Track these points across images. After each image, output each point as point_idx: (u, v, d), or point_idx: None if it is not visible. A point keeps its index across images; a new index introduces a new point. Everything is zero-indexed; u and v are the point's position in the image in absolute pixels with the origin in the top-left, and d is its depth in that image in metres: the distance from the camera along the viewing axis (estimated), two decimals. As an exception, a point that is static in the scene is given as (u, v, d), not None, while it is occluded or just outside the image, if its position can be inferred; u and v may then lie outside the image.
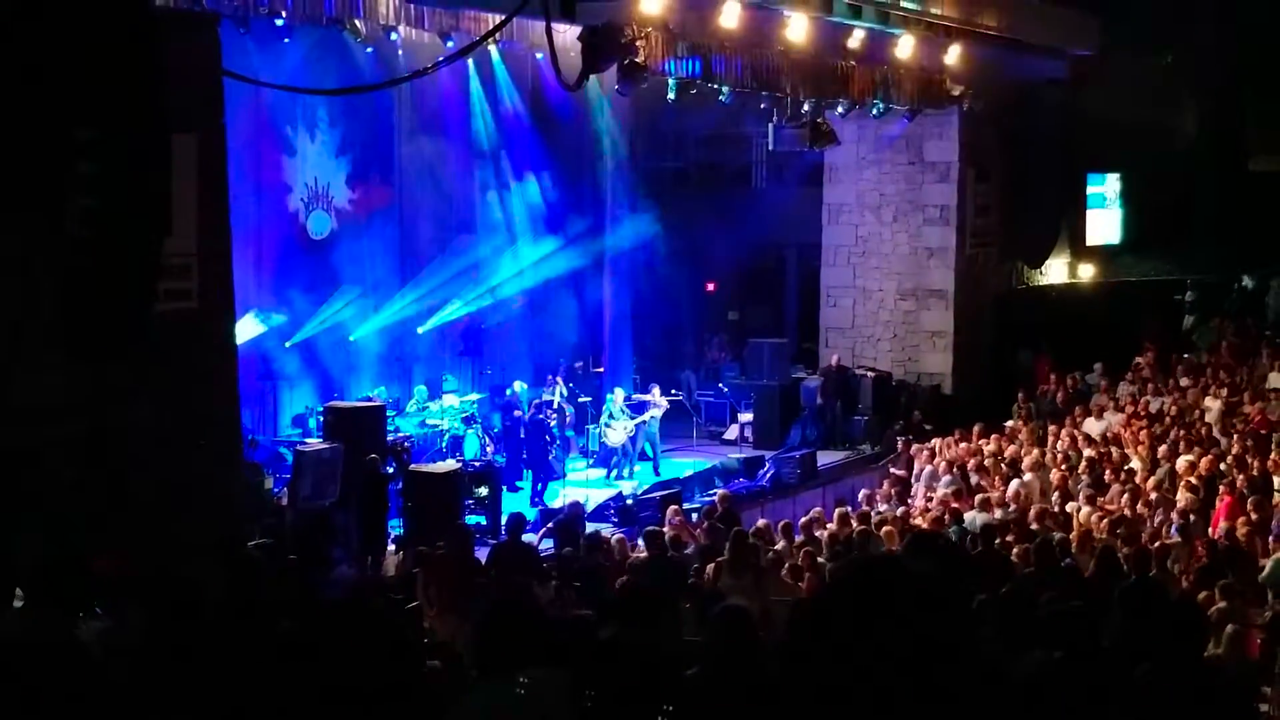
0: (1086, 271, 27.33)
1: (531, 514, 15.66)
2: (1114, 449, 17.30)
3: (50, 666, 4.56)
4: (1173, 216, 26.92)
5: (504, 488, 16.89)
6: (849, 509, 14.47)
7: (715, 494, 15.87)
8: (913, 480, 17.92)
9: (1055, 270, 26.95)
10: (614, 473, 19.11)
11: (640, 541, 12.49)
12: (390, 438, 16.52)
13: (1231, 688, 5.60)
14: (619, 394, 19.53)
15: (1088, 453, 16.98)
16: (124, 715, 4.26)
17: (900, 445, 19.39)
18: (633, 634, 5.31)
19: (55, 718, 4.33)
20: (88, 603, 5.58)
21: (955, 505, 15.00)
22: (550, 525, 14.58)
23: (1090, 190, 27.39)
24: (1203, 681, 5.41)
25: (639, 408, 19.42)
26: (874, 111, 22.12)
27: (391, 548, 14.35)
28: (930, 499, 16.36)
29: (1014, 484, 16.02)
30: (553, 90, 19.08)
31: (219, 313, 12.17)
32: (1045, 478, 16.34)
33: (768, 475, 18.75)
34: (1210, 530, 13.40)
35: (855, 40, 19.79)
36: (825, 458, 20.16)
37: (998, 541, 11.98)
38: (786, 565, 11.82)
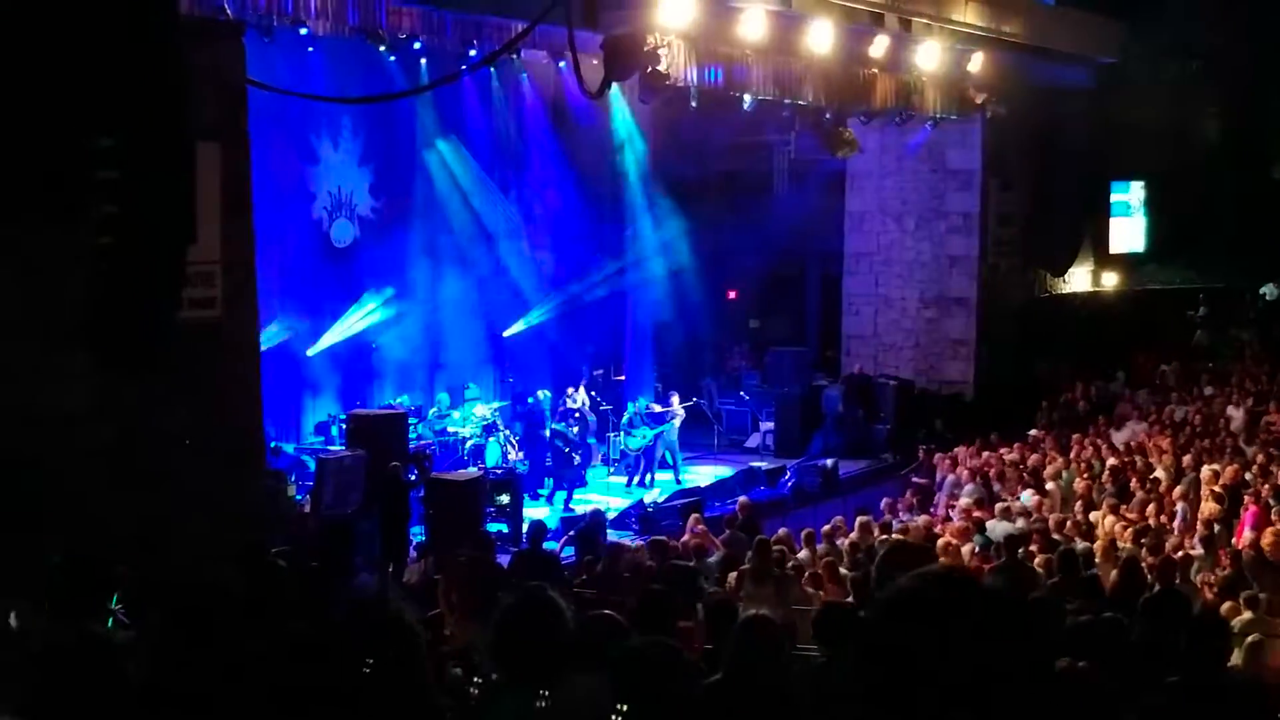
0: (1110, 280, 27.23)
1: (553, 522, 15.67)
2: (1138, 458, 17.20)
3: (75, 670, 4.59)
4: (1196, 224, 26.82)
5: (525, 495, 16.94)
6: (871, 518, 14.43)
7: (736, 502, 15.85)
8: (935, 489, 17.87)
9: (1078, 278, 26.87)
10: (635, 480, 19.13)
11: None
12: (412, 445, 16.58)
13: (1254, 699, 5.56)
14: (641, 404, 19.57)
15: (1111, 461, 16.89)
16: (146, 718, 4.28)
17: (922, 454, 19.34)
18: (654, 640, 5.30)
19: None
20: (110, 608, 5.62)
21: (977, 514, 14.93)
22: (571, 533, 14.59)
23: (1114, 198, 27.32)
24: (1225, 693, 5.38)
25: (659, 417, 19.43)
26: (896, 119, 22.11)
27: (413, 555, 14.39)
28: (952, 508, 16.29)
29: (1027, 493, 15.93)
30: (575, 98, 19.14)
31: (242, 320, 12.20)
32: (1068, 487, 16.27)
33: (789, 484, 18.72)
34: (1234, 540, 13.32)
35: (878, 48, 19.74)
36: (847, 466, 20.12)
37: (1020, 551, 11.93)
38: (808, 574, 11.80)
